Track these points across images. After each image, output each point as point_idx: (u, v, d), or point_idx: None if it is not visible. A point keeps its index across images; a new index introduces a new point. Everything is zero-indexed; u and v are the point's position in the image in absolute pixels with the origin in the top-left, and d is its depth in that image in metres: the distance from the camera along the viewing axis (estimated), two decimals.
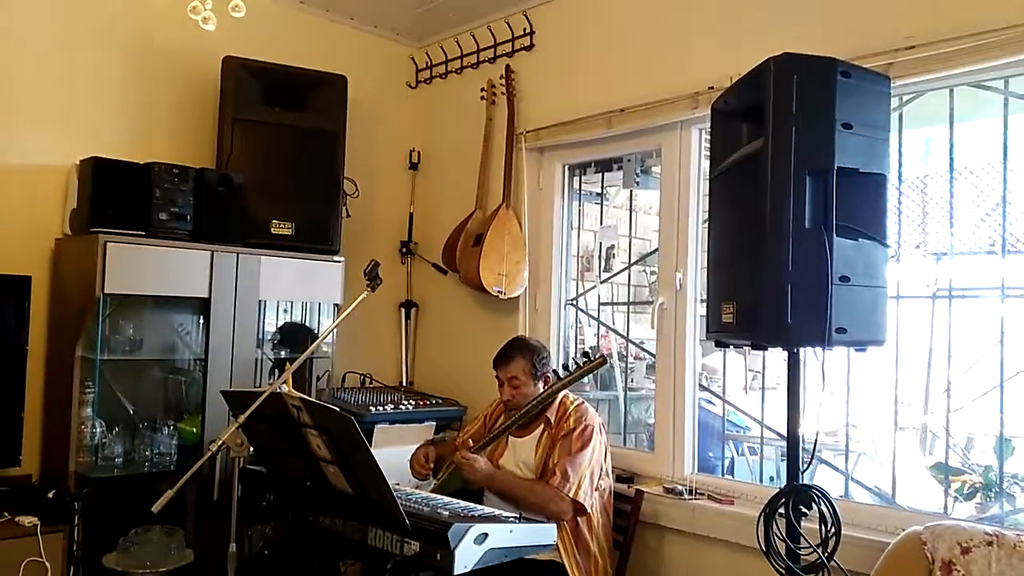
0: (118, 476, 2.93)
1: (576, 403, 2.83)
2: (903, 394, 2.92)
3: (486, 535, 2.04)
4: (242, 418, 2.19)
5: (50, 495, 2.74)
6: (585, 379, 2.81)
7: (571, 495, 2.59)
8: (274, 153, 3.37)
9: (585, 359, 2.72)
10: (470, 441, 2.89)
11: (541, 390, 2.81)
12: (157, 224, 2.94)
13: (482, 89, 3.85)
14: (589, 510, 2.65)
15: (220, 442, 2.16)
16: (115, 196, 2.91)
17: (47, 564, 2.57)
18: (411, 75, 4.30)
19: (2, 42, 3.04)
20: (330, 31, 3.96)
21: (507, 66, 3.77)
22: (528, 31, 3.71)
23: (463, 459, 2.65)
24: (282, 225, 3.34)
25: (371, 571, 2.78)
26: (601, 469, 2.74)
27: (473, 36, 3.96)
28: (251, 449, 2.37)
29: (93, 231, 2.84)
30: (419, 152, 4.27)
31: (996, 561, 2.06)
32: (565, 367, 2.80)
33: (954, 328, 2.54)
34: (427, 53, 4.23)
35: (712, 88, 2.85)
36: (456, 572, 1.98)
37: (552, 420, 2.79)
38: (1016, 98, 2.46)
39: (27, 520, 2.60)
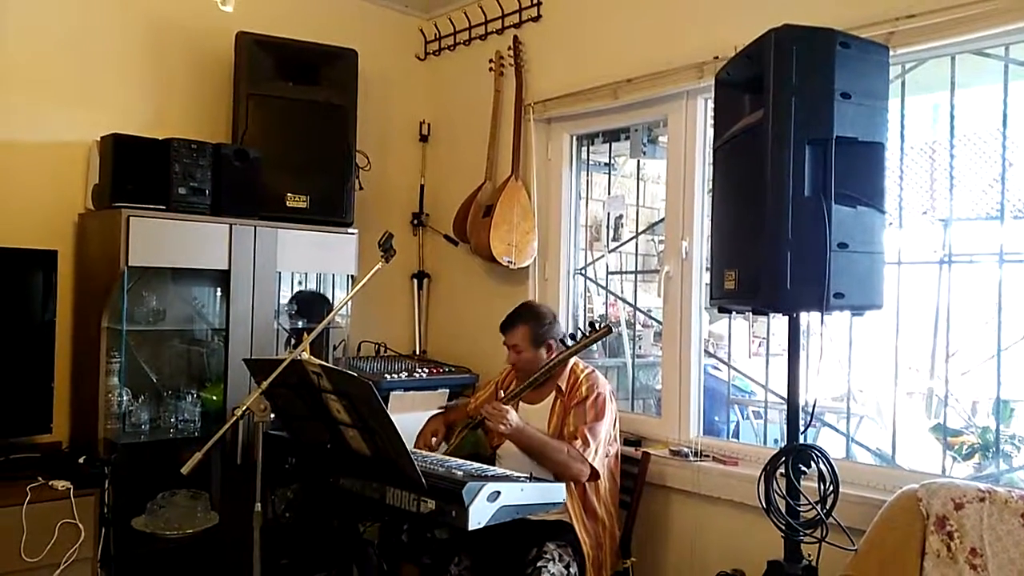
0: (145, 442, 3.04)
1: (587, 371, 2.90)
2: (912, 359, 2.98)
3: (499, 493, 2.13)
4: (265, 384, 2.28)
5: (81, 460, 2.84)
6: (594, 347, 2.89)
7: (590, 460, 2.68)
8: (288, 127, 3.43)
9: (591, 328, 2.79)
10: (501, 392, 2.95)
11: (543, 356, 2.88)
12: (177, 199, 3.02)
13: (490, 60, 3.89)
14: (601, 476, 2.74)
15: (244, 407, 2.24)
16: (135, 171, 2.98)
17: (80, 525, 2.67)
18: (420, 47, 4.34)
19: (23, 23, 3.11)
20: (340, 4, 4.00)
21: (515, 37, 3.81)
22: (535, 2, 3.74)
23: (495, 410, 2.68)
24: (297, 198, 3.42)
25: (389, 531, 2.88)
26: (610, 436, 2.83)
27: (481, 7, 3.99)
28: (272, 415, 2.46)
29: (116, 206, 2.92)
30: (429, 124, 4.33)
31: (988, 516, 2.15)
32: (572, 336, 2.88)
33: (961, 293, 2.59)
34: (435, 25, 4.26)
35: (717, 58, 2.89)
36: (470, 528, 2.07)
37: (564, 388, 2.86)
38: (1017, 65, 2.49)
39: (60, 484, 2.70)
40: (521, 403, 2.93)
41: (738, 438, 3.39)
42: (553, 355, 2.87)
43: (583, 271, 3.77)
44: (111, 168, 2.98)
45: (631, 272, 3.77)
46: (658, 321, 3.42)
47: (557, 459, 2.66)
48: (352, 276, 3.53)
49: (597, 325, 2.79)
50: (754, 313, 2.34)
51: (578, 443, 2.68)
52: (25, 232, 3.02)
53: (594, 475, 2.70)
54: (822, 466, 2.19)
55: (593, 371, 2.92)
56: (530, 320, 2.91)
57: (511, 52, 3.80)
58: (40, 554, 2.59)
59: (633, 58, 3.28)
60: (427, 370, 3.68)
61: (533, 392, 2.90)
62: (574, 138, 3.75)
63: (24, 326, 2.96)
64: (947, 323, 2.60)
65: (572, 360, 2.90)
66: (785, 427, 2.27)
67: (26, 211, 3.08)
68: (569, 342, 2.85)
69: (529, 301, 3.24)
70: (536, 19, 3.75)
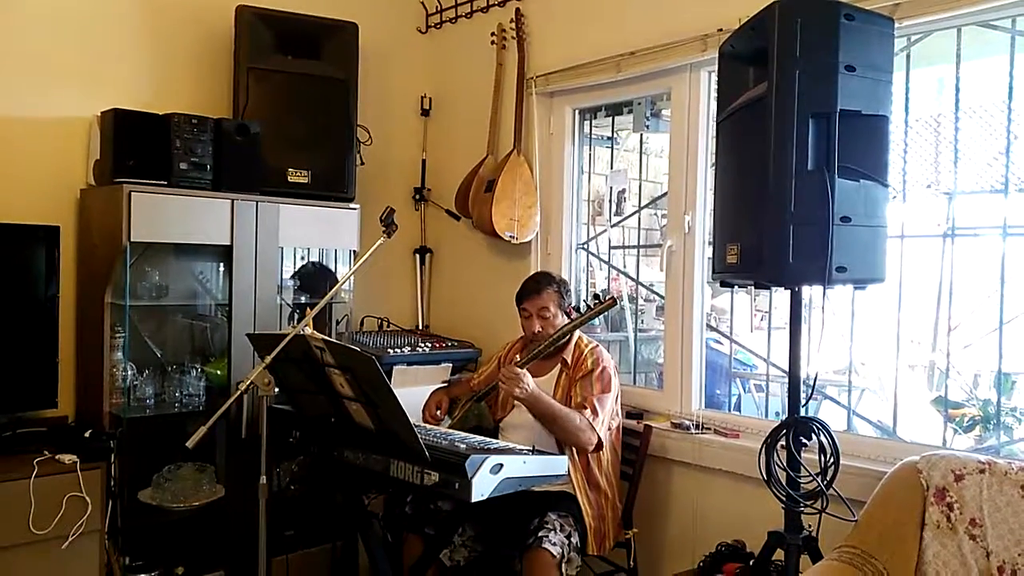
0: (150, 416, 3.05)
1: (591, 345, 2.92)
2: (914, 332, 2.99)
3: (501, 465, 2.15)
4: (268, 358, 2.29)
5: (87, 435, 2.87)
6: (596, 320, 2.89)
7: (599, 430, 2.71)
8: (288, 102, 3.41)
9: (596, 300, 2.80)
10: (517, 356, 2.96)
11: (565, 322, 2.90)
12: (178, 174, 3.01)
13: (492, 33, 3.85)
14: (604, 447, 2.78)
15: (248, 381, 2.26)
16: (136, 147, 2.97)
17: (87, 499, 2.70)
18: (421, 20, 4.30)
19: None
20: None
21: (517, 9, 3.76)
22: None
23: (512, 374, 2.66)
24: (298, 173, 3.41)
25: (393, 503, 2.91)
26: (613, 410, 2.86)
27: None
28: (276, 389, 2.47)
29: (117, 181, 2.91)
30: (430, 98, 4.30)
31: (988, 487, 2.16)
32: (577, 308, 2.88)
33: (964, 266, 2.59)
34: None
35: (721, 30, 2.86)
36: (473, 500, 2.09)
37: (570, 361, 2.89)
38: None
39: (67, 458, 2.72)
40: None
41: (739, 411, 3.40)
42: (563, 326, 2.88)
43: (585, 245, 3.77)
44: (112, 143, 2.96)
45: (633, 246, 3.77)
46: (660, 295, 3.42)
47: (568, 426, 2.68)
48: (354, 251, 3.52)
49: (602, 297, 2.80)
50: (756, 287, 2.34)
51: (588, 412, 2.71)
52: (27, 208, 3.02)
53: (599, 445, 2.74)
54: (823, 438, 2.21)
55: (597, 345, 2.94)
56: (556, 284, 2.94)
57: (513, 25, 3.76)
58: (48, 527, 2.62)
59: (636, 31, 3.25)
60: (430, 345, 3.69)
61: (537, 365, 2.91)
62: (576, 112, 3.73)
63: (28, 302, 2.97)
64: (950, 296, 2.60)
65: (576, 334, 2.92)
66: (786, 400, 2.28)
67: (28, 187, 3.08)
68: (574, 314, 2.86)
69: (544, 270, 3.23)
70: None
